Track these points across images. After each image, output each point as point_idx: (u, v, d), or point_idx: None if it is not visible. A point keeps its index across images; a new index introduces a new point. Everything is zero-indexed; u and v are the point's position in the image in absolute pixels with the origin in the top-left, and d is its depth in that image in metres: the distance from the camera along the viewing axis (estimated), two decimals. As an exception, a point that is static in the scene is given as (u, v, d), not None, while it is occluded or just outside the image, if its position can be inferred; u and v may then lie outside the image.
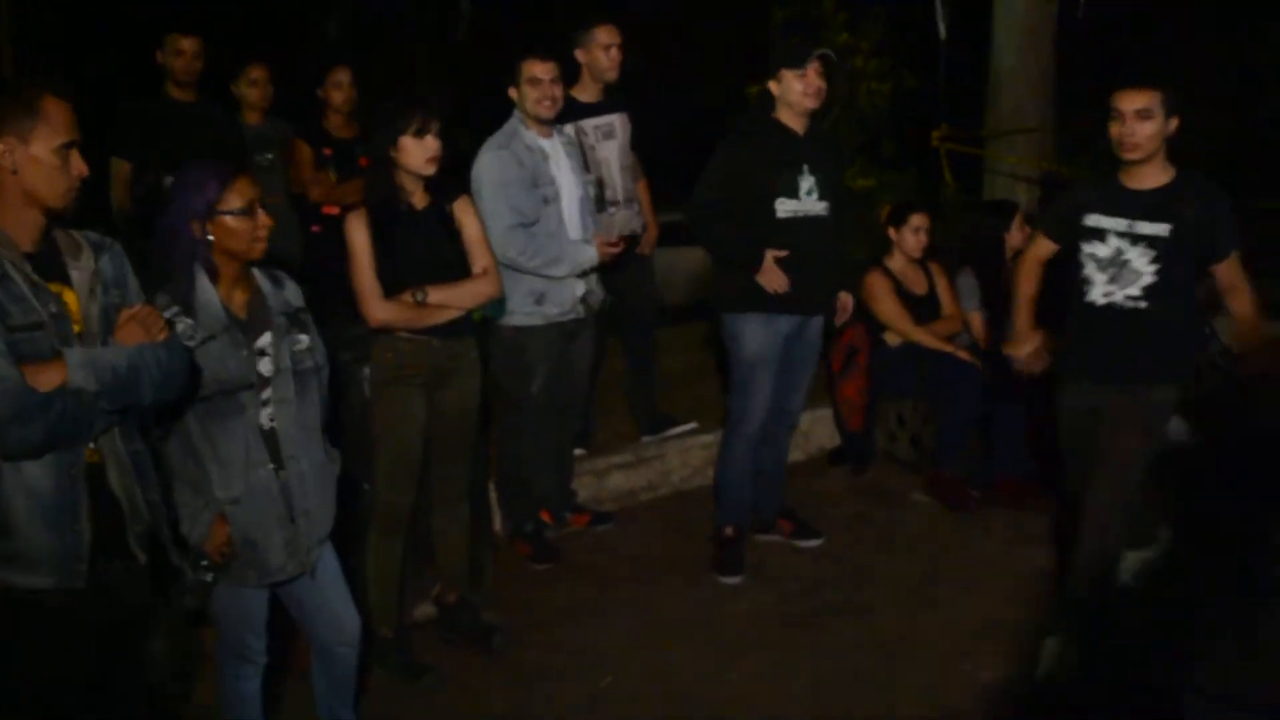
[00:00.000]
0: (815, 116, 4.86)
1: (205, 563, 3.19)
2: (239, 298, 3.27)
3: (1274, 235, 7.40)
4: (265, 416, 3.27)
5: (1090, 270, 4.20)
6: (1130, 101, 3.96)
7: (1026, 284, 4.53)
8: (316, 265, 5.81)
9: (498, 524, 5.29)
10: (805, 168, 4.80)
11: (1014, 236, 6.05)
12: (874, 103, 9.46)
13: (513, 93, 4.97)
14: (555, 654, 4.48)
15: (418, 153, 4.12)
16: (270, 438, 3.28)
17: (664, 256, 7.99)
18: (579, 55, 5.52)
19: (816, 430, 6.39)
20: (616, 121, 5.59)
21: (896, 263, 6.05)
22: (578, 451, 5.70)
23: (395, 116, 4.13)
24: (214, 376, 3.14)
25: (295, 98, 6.46)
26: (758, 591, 4.95)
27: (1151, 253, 4.07)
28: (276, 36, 11.68)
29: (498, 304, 4.69)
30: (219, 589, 3.26)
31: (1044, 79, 8.84)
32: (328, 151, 6.15)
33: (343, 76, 6.25)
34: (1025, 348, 4.59)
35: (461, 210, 4.34)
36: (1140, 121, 3.95)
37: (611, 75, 5.52)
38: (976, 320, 6.04)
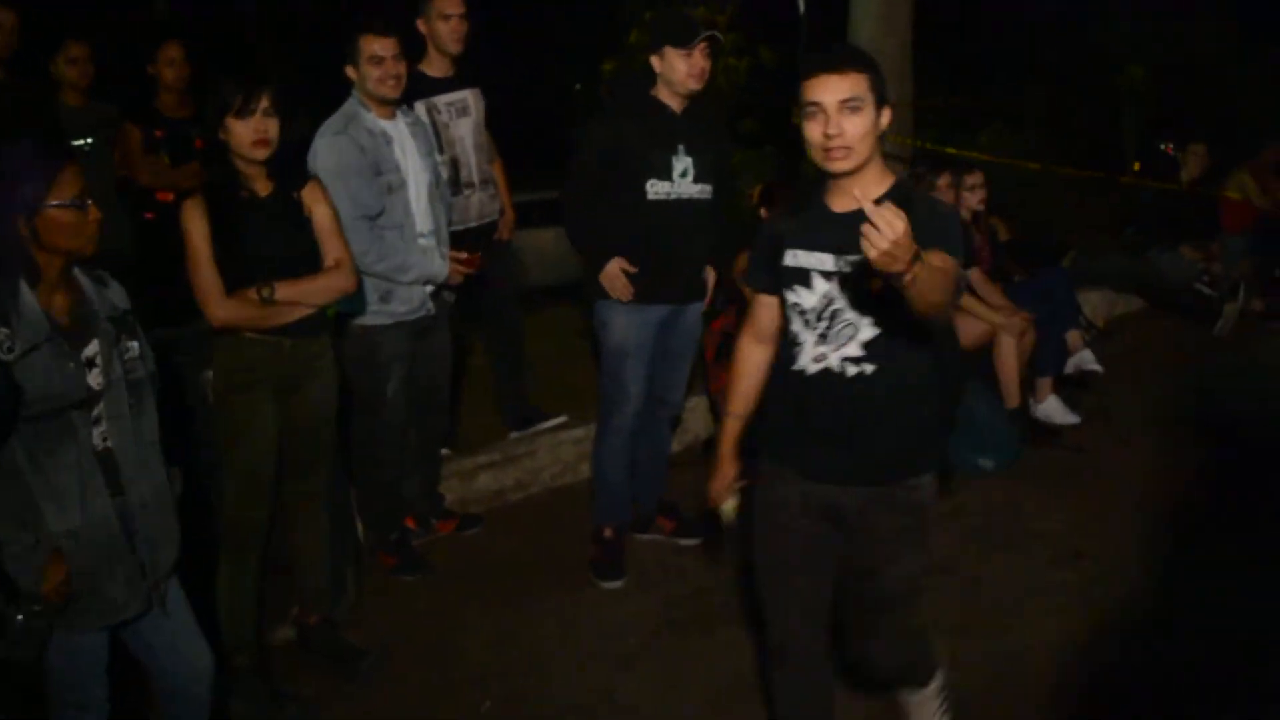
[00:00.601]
0: (696, 97, 4.58)
1: (38, 607, 2.78)
2: (60, 302, 2.86)
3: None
4: (98, 436, 2.87)
5: (796, 327, 2.96)
6: (831, 90, 2.77)
7: (741, 377, 3.23)
8: (150, 256, 5.39)
9: (360, 534, 4.92)
10: (681, 148, 4.54)
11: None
12: (731, 79, 9.24)
13: (351, 72, 4.58)
14: (429, 674, 4.16)
15: (244, 134, 3.74)
16: (106, 460, 2.88)
17: (529, 237, 7.69)
18: (420, 26, 5.17)
19: (692, 420, 6.14)
20: (470, 97, 5.26)
21: (769, 244, 5.82)
22: (443, 452, 5.35)
23: (218, 94, 3.74)
24: (39, 394, 2.73)
25: (123, 75, 5.98)
26: (641, 596, 4.69)
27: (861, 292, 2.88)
28: (99, 9, 10.96)
29: (354, 299, 4.33)
30: (55, 635, 2.86)
31: (902, 54, 8.71)
32: (159, 134, 5.70)
33: (175, 53, 5.80)
34: (720, 479, 3.32)
35: (311, 197, 3.96)
36: (848, 115, 2.76)
37: (453, 47, 5.17)
38: (852, 302, 5.85)
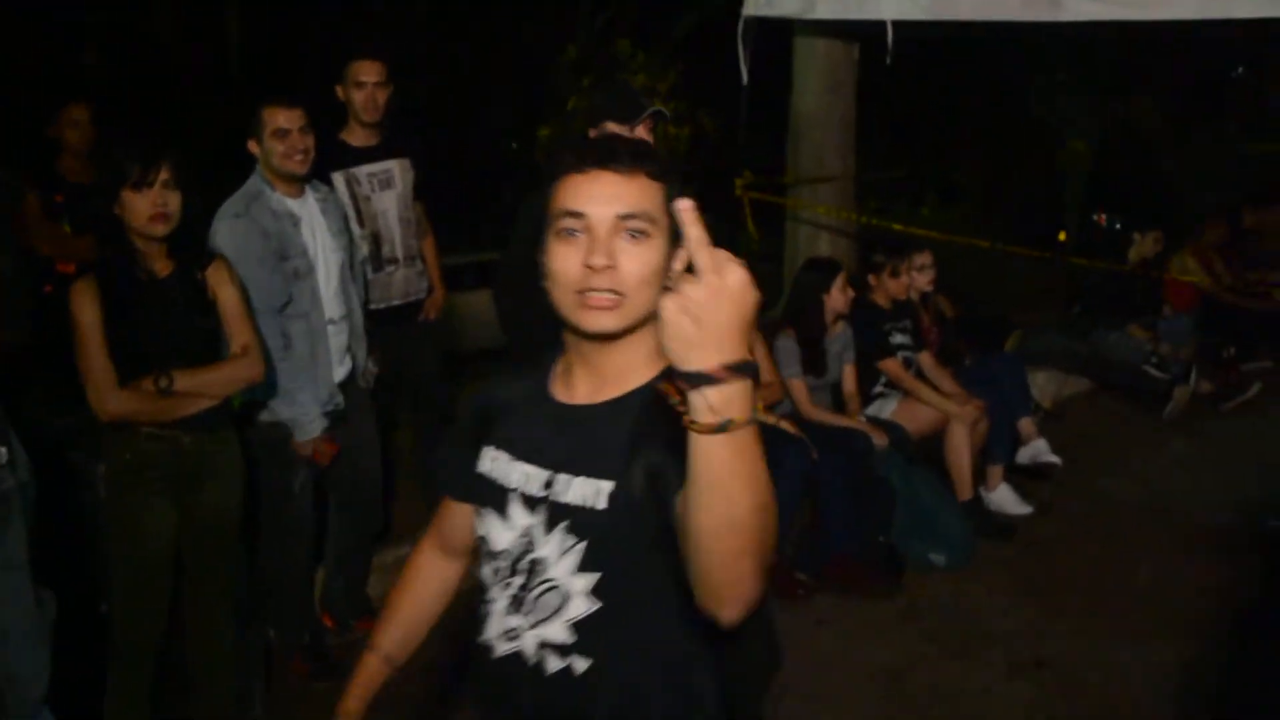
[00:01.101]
0: None
1: None
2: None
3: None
4: (-51, 559, 2.50)
5: (485, 574, 2.00)
6: (606, 199, 1.80)
7: (403, 599, 2.31)
8: (48, 334, 5.00)
9: (271, 637, 4.54)
10: None
11: (834, 298, 5.63)
12: (672, 147, 9.03)
13: (253, 147, 4.19)
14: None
15: (140, 208, 3.41)
16: (-44, 587, 2.51)
17: (464, 300, 7.37)
18: (339, 92, 4.86)
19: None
20: (395, 168, 4.97)
21: (712, 326, 5.54)
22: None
23: (112, 164, 3.41)
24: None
25: (19, 138, 5.63)
26: None
27: (574, 539, 1.87)
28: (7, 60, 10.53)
29: (263, 387, 3.98)
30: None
31: (846, 126, 8.56)
32: (59, 199, 5.33)
33: (79, 114, 5.47)
34: None
35: (216, 278, 3.63)
36: (628, 243, 1.80)
37: (368, 116, 4.87)
38: (799, 387, 5.58)
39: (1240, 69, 14.19)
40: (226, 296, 3.62)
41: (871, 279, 6.03)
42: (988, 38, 12.23)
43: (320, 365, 4.26)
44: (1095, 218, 13.39)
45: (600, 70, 8.81)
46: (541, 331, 4.10)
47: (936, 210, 10.79)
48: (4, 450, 2.63)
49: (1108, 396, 7.83)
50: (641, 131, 4.09)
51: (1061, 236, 13.10)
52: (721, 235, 6.80)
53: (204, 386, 3.52)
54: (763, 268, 9.23)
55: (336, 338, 4.36)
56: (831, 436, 5.39)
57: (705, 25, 9.21)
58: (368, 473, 4.65)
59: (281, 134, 4.12)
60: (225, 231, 4.06)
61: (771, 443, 5.02)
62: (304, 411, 4.15)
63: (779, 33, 8.42)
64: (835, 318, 5.73)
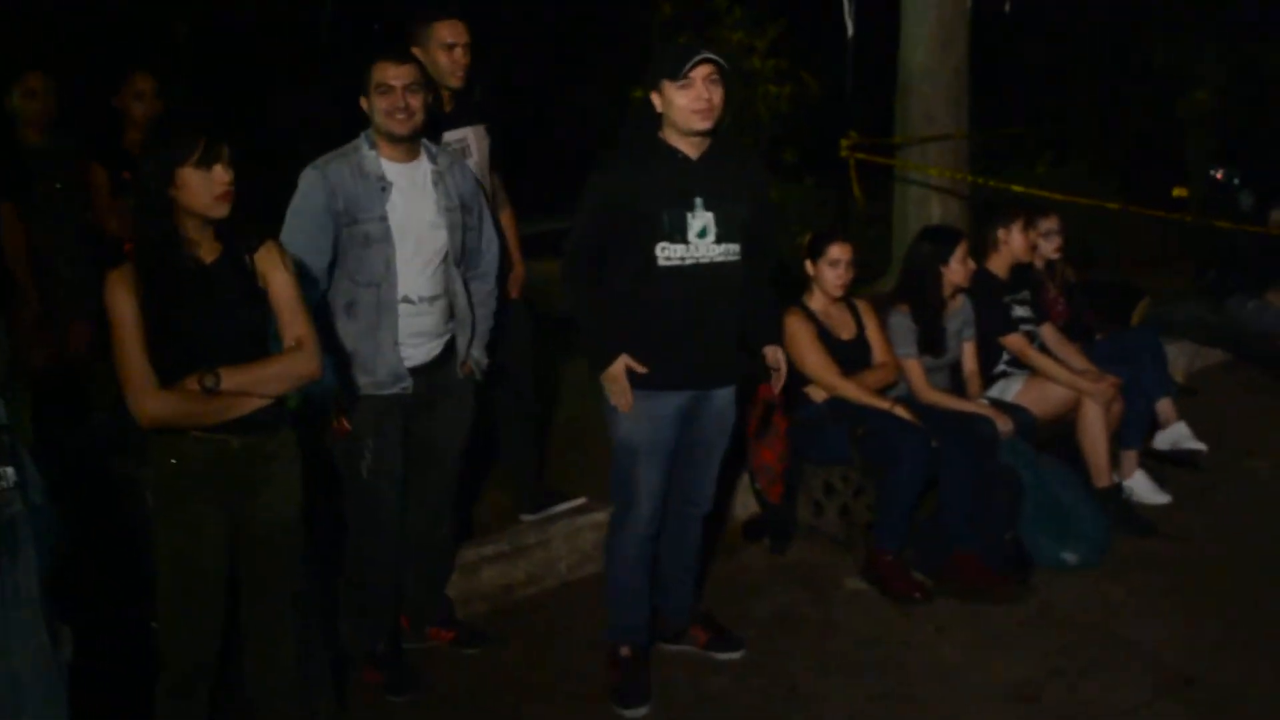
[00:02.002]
0: (717, 138, 3.82)
1: None
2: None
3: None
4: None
5: None
6: None
7: None
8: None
9: (346, 640, 4.21)
10: (698, 202, 3.75)
11: (954, 270, 5.14)
12: (772, 107, 8.53)
13: (363, 103, 3.91)
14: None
15: (203, 189, 3.06)
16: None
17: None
18: (418, 55, 4.47)
19: (731, 498, 5.40)
20: (471, 136, 4.60)
21: (817, 302, 5.09)
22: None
23: (169, 142, 3.07)
24: None
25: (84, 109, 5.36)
26: (670, 728, 3.95)
27: None
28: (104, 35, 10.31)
29: (321, 384, 3.63)
30: None
31: (958, 80, 8.02)
32: (126, 175, 5.03)
33: (144, 85, 5.19)
34: None
35: (267, 262, 3.26)
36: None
37: (454, 80, 4.52)
38: (915, 368, 5.12)
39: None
40: (279, 283, 3.26)
41: (1001, 233, 5.48)
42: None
43: (383, 343, 3.92)
44: (1213, 173, 12.63)
45: (695, 26, 8.32)
46: (607, 321, 3.70)
47: (1051, 168, 10.09)
48: (11, 471, 2.29)
49: (1245, 369, 7.24)
50: (700, 85, 3.61)
51: (1179, 192, 12.35)
52: (826, 199, 6.35)
53: (254, 385, 3.17)
54: (870, 232, 8.79)
55: (418, 318, 3.99)
56: (952, 422, 4.92)
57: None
58: (446, 466, 4.29)
59: (384, 90, 3.84)
60: (300, 182, 3.88)
61: (886, 430, 4.55)
62: (341, 383, 3.89)
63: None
64: (954, 291, 5.24)
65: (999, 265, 5.49)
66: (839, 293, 5.05)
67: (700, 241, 3.78)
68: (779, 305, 4.32)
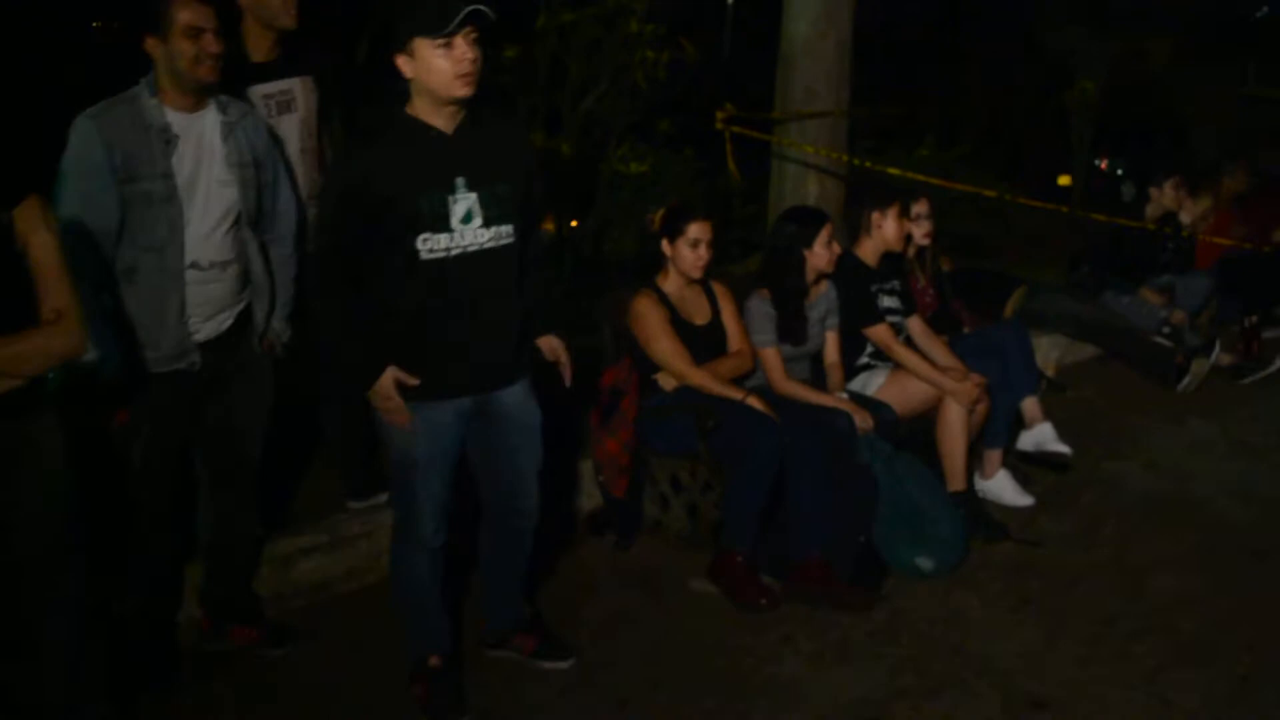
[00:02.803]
0: (474, 106, 3.33)
1: None
2: None
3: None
4: None
5: None
6: None
7: None
8: None
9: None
10: (460, 183, 3.31)
11: (818, 254, 4.87)
12: (650, 74, 8.16)
13: (152, 46, 3.44)
14: None
15: None
16: None
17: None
18: None
19: (574, 488, 5.08)
20: (298, 88, 4.19)
21: (671, 284, 4.77)
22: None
23: None
24: None
25: None
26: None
27: None
28: None
29: (106, 360, 3.23)
30: None
31: (840, 55, 7.73)
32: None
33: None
34: None
35: (27, 222, 2.84)
36: None
37: (288, 20, 4.14)
38: (772, 357, 4.83)
39: (1265, 9, 13.33)
40: (39, 245, 2.84)
41: (875, 216, 5.18)
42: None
43: (168, 314, 3.51)
44: (1097, 162, 12.62)
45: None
46: (366, 328, 3.43)
47: (935, 151, 9.90)
48: None
49: (1117, 366, 7.09)
50: (463, 45, 3.15)
51: (1064, 181, 12.33)
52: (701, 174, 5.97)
53: (5, 362, 2.76)
54: (748, 209, 8.50)
55: (206, 286, 3.57)
56: (808, 416, 4.65)
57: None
58: (245, 451, 3.90)
59: (193, 32, 3.39)
60: (71, 134, 3.40)
61: (737, 423, 4.16)
62: (111, 356, 3.40)
63: (770, -50, 7.63)
64: (818, 277, 4.96)
65: (869, 251, 5.23)
66: (697, 274, 4.74)
67: (466, 228, 3.33)
68: (555, 286, 3.90)
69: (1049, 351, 6.95)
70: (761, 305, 4.86)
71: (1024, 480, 5.36)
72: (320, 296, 3.47)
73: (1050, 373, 6.69)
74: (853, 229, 5.23)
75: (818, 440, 4.54)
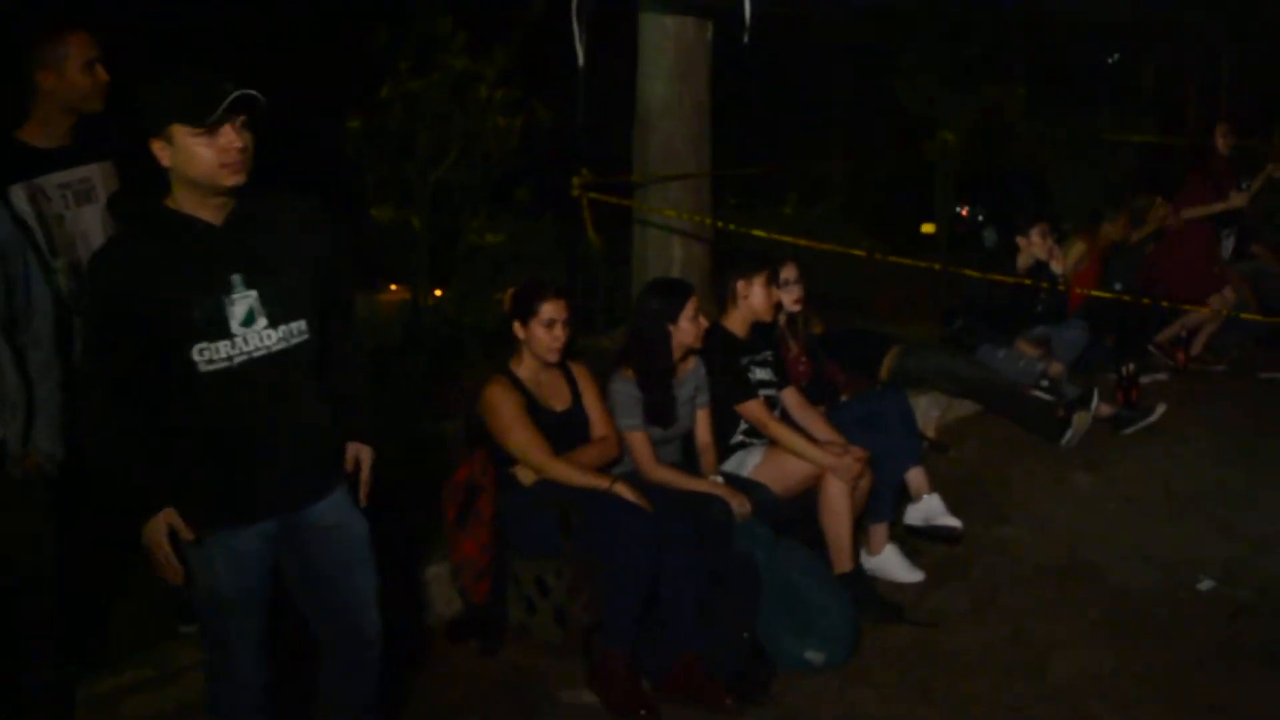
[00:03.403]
0: (244, 191, 2.90)
1: None
2: None
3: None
4: None
5: None
6: None
7: None
8: None
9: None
10: (236, 280, 2.89)
11: (684, 330, 4.55)
12: (503, 141, 7.84)
13: None
14: None
15: None
16: None
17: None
18: (41, 80, 3.67)
19: (430, 593, 4.66)
20: (97, 175, 3.78)
21: (526, 369, 4.41)
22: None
23: None
24: None
25: None
26: None
27: None
28: None
29: None
30: None
31: (699, 116, 7.51)
32: None
33: None
34: None
35: None
36: None
37: (97, 103, 3.77)
38: (640, 441, 4.49)
39: (1115, 56, 13.54)
40: None
41: (740, 286, 4.90)
42: (852, 18, 11.36)
43: None
44: (959, 209, 12.63)
45: (415, 53, 7.58)
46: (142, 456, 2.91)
47: (799, 208, 9.75)
48: None
49: (998, 422, 6.88)
50: (230, 133, 2.76)
51: (928, 229, 12.30)
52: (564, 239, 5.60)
53: None
54: (619, 272, 8.19)
55: None
56: (681, 503, 4.30)
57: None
58: (25, 589, 3.42)
59: None
60: None
61: (605, 515, 3.61)
62: None
63: (623, 9, 7.37)
64: (685, 353, 4.64)
65: (737, 322, 4.93)
66: (553, 358, 4.38)
67: (249, 331, 2.90)
68: (370, 383, 3.43)
69: (929, 410, 6.73)
70: (626, 386, 4.53)
71: (912, 554, 5.08)
72: (90, 425, 3.01)
73: (931, 433, 6.47)
74: (719, 299, 4.94)
75: (691, 529, 4.20)
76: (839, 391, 5.50)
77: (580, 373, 4.56)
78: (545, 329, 4.32)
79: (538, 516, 4.26)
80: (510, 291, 4.48)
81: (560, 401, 4.45)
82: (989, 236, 11.37)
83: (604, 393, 4.56)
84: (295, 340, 2.99)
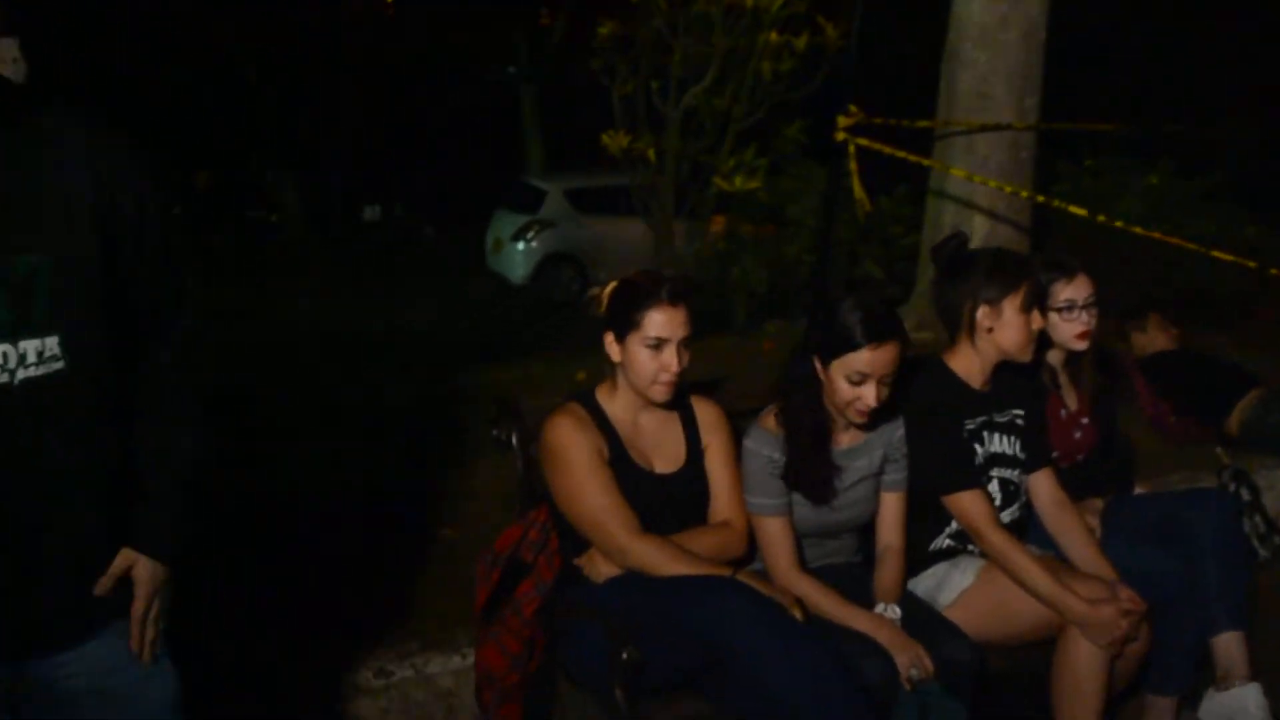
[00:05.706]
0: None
1: None
2: None
3: None
4: None
5: None
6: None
7: None
8: None
9: None
10: None
11: (846, 385, 2.92)
12: (775, 65, 6.32)
13: None
14: None
15: None
16: None
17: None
18: None
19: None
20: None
21: (619, 404, 2.93)
22: None
23: None
24: None
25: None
26: None
27: None
28: None
29: None
30: None
31: (1028, 45, 5.77)
32: None
33: None
34: None
35: None
36: None
37: None
38: (775, 533, 2.93)
39: None
40: None
41: (984, 311, 3.21)
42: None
43: None
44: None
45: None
46: None
47: (1171, 179, 7.64)
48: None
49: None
50: None
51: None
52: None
53: None
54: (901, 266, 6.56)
55: None
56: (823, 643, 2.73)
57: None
58: None
59: None
60: None
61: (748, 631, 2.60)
62: None
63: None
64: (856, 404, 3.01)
65: (970, 363, 3.20)
66: (661, 395, 2.88)
67: None
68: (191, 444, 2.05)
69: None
70: (763, 444, 2.97)
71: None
72: None
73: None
74: (947, 323, 3.26)
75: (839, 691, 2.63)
76: (1131, 482, 3.66)
77: (709, 418, 3.04)
78: (650, 352, 2.84)
79: (596, 629, 2.80)
80: (610, 287, 2.99)
81: (667, 460, 2.96)
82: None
83: (739, 453, 3.03)
84: (34, 371, 1.70)
